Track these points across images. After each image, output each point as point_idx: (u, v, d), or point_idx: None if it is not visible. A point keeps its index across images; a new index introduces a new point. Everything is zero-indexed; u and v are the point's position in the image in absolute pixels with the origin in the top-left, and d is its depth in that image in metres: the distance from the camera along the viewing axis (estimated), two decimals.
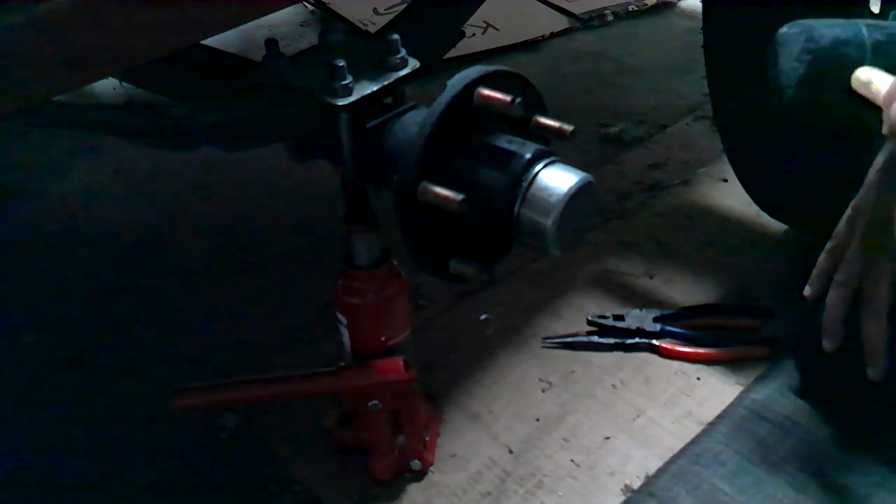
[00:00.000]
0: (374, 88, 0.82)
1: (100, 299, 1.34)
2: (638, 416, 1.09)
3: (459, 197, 0.72)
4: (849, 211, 0.91)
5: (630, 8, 2.17)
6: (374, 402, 0.95)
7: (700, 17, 1.21)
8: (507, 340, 1.22)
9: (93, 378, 1.20)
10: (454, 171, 0.75)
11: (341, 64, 0.80)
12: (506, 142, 0.75)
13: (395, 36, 0.85)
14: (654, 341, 1.18)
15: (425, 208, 0.75)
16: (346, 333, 0.97)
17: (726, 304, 1.25)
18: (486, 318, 1.24)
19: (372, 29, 2.04)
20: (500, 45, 2.02)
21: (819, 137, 1.01)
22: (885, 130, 0.87)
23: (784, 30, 0.97)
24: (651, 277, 1.31)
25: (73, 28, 0.61)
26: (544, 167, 0.74)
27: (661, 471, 1.01)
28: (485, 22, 2.07)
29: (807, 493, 0.97)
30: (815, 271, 0.95)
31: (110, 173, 1.65)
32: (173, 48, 0.69)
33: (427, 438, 1.04)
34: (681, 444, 1.04)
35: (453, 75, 0.76)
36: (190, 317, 1.29)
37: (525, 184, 0.74)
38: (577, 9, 2.17)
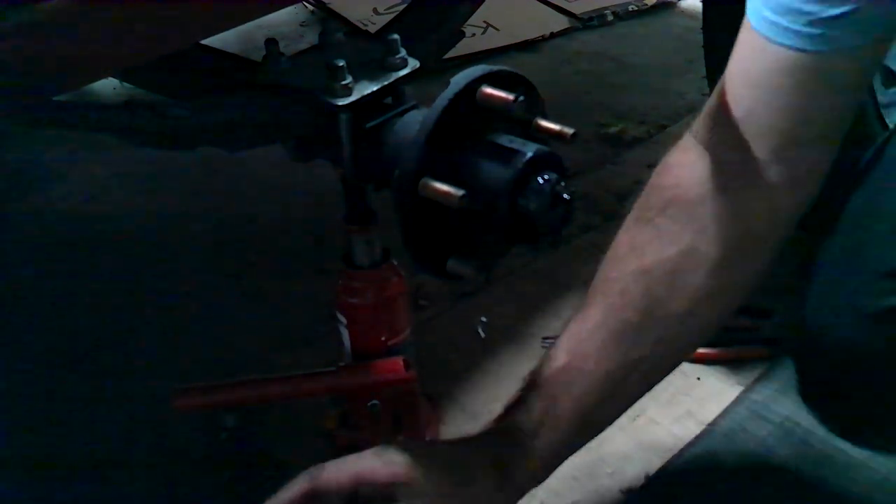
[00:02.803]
0: (374, 88, 0.82)
1: (100, 299, 1.33)
2: (638, 416, 1.08)
3: (460, 193, 0.72)
4: None
5: (630, 8, 2.17)
6: (374, 402, 0.95)
7: (700, 17, 1.21)
8: (507, 340, 1.22)
9: (93, 378, 1.19)
10: (455, 168, 0.76)
11: (341, 64, 0.80)
12: (507, 140, 0.76)
13: (395, 36, 0.85)
14: None
15: (425, 204, 0.75)
16: (345, 333, 0.97)
17: None
18: (485, 323, 1.24)
19: (372, 29, 2.04)
20: (500, 45, 2.02)
21: None
22: None
23: None
24: None
25: (73, 28, 0.61)
26: None
27: (661, 471, 1.01)
28: (485, 22, 2.07)
29: (807, 494, 0.97)
30: None
31: (110, 173, 1.64)
32: (173, 48, 0.69)
33: (427, 438, 1.04)
34: (681, 444, 1.04)
35: (454, 75, 0.76)
36: (190, 317, 1.29)
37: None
38: (577, 9, 2.16)
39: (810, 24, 0.71)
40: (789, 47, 0.73)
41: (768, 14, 0.73)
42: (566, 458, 0.84)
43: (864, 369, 0.96)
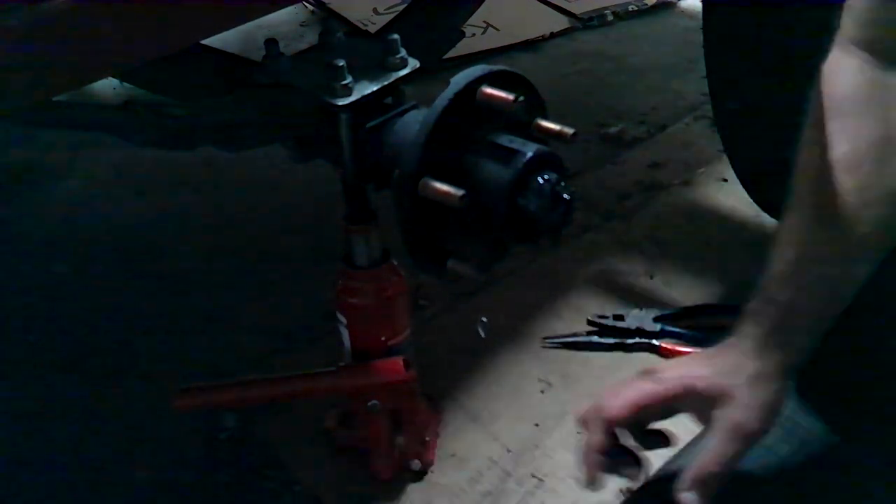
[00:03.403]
0: (374, 88, 0.82)
1: (100, 299, 1.34)
2: None
3: (460, 193, 0.72)
4: None
5: (630, 8, 2.17)
6: (374, 402, 0.95)
7: (700, 17, 1.21)
8: (507, 340, 1.22)
9: (93, 378, 1.19)
10: (455, 168, 0.75)
11: (341, 64, 0.80)
12: (507, 140, 0.75)
13: (395, 36, 0.85)
14: (655, 341, 1.18)
15: (425, 204, 0.75)
16: (345, 333, 0.97)
17: (726, 304, 1.25)
18: (485, 323, 1.24)
19: (372, 29, 2.04)
20: (500, 45, 2.02)
21: None
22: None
23: None
24: (651, 277, 1.31)
25: (72, 28, 0.61)
26: None
27: (661, 471, 1.01)
28: (485, 22, 2.07)
29: (807, 493, 0.97)
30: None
31: (110, 173, 1.65)
32: (173, 48, 0.69)
33: (427, 438, 1.04)
34: (681, 445, 1.04)
35: (454, 75, 0.76)
36: (190, 317, 1.29)
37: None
38: (577, 9, 2.16)
39: None
40: None
41: None
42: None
43: (858, 370, 0.96)
